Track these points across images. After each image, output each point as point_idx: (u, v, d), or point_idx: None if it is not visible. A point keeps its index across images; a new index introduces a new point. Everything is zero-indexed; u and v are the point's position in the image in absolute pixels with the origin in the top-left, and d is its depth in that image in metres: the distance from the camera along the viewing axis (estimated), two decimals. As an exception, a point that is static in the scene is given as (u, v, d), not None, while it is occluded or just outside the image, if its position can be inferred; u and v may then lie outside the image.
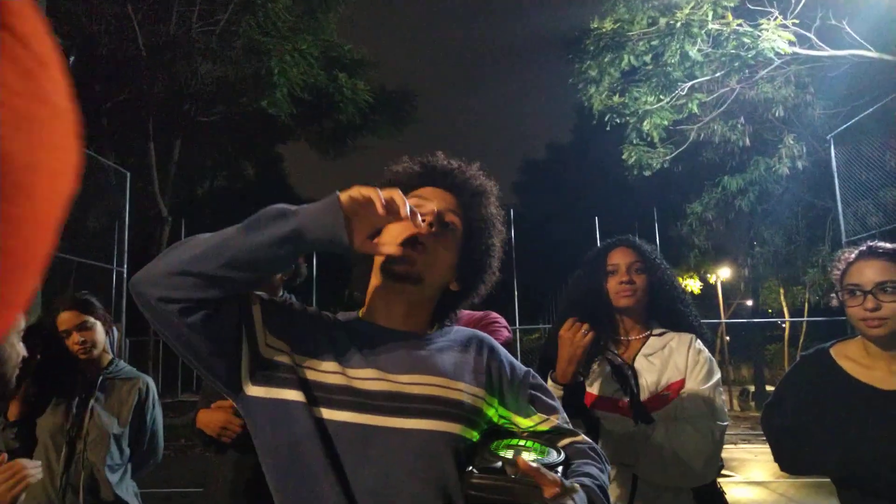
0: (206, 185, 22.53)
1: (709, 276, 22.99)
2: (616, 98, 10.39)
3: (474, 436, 1.14)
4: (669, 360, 1.98)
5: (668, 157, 10.85)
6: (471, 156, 1.36)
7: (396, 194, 1.05)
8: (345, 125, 14.57)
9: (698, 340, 2.03)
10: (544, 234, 22.67)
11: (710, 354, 2.02)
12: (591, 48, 10.22)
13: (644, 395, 1.94)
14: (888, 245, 1.74)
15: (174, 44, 13.06)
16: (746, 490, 7.30)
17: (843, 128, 8.73)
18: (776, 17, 8.65)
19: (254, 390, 1.11)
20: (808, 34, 8.82)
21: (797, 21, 8.68)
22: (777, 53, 8.69)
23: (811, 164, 11.04)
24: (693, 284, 21.32)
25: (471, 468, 1.07)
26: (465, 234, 1.27)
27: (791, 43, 8.61)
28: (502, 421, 1.22)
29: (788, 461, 1.85)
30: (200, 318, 1.04)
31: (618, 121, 10.48)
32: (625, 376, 1.98)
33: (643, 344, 2.05)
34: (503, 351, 1.30)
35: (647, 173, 10.97)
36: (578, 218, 16.89)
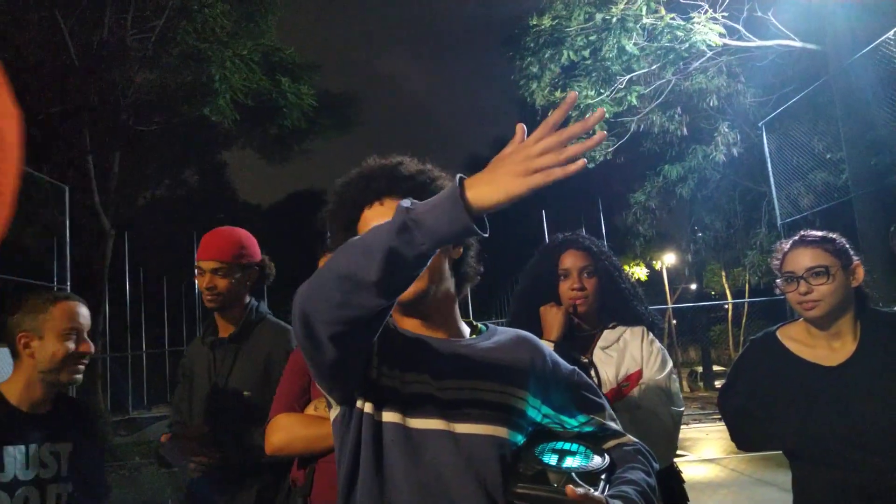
0: (148, 195, 21.93)
1: (654, 262, 23.63)
2: (557, 93, 10.58)
3: (519, 438, 1.17)
4: (626, 352, 2.06)
5: (610, 149, 11.11)
6: (417, 152, 1.34)
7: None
8: (290, 130, 14.40)
9: (649, 333, 2.13)
10: (492, 228, 22.72)
11: (661, 345, 2.12)
12: (531, 44, 10.38)
13: (605, 388, 2.01)
14: (817, 233, 1.89)
15: (108, 51, 12.66)
16: (700, 468, 7.58)
17: (773, 115, 9.07)
18: (706, 11, 8.96)
19: (358, 405, 1.16)
20: (736, 26, 9.18)
21: (726, 14, 9.03)
22: (708, 45, 9.02)
23: (745, 150, 11.49)
24: (640, 271, 21.88)
25: (516, 475, 1.10)
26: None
27: (721, 35, 8.95)
28: (546, 420, 1.24)
29: (744, 439, 1.98)
30: (350, 339, 1.05)
31: (560, 115, 10.66)
32: (585, 370, 2.07)
33: (598, 338, 2.11)
34: (548, 350, 1.32)
35: (590, 165, 11.20)
36: (526, 211, 17.07)
